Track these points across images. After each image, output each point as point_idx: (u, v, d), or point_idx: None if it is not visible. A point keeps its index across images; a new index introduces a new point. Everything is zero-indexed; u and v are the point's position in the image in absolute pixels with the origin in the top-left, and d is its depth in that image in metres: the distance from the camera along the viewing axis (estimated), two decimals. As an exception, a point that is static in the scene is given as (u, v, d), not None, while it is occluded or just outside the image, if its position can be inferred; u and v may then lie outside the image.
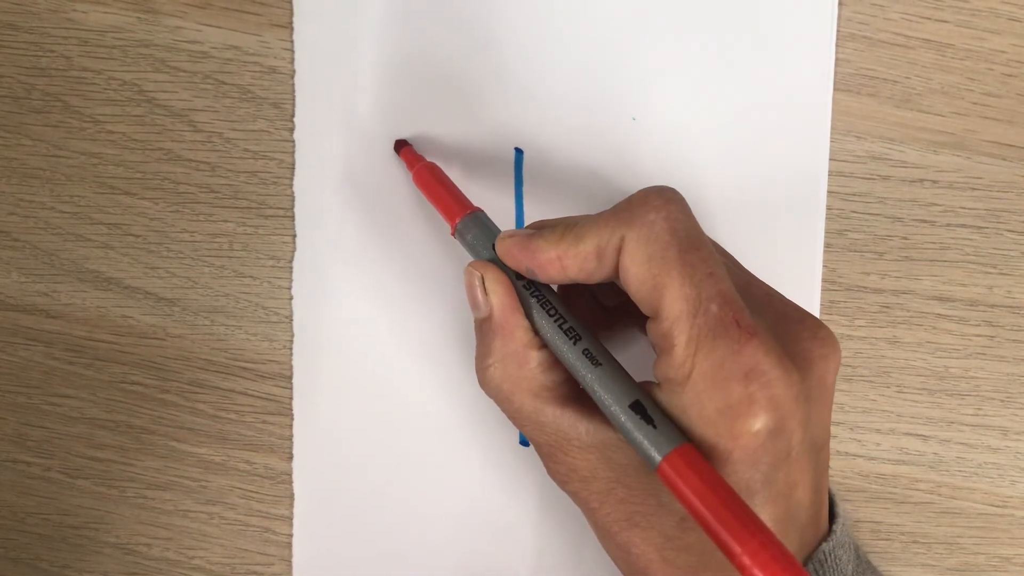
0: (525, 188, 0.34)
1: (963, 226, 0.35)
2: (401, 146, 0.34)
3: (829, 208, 0.34)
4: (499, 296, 0.29)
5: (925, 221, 0.35)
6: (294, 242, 0.35)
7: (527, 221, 0.34)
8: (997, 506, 0.36)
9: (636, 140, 0.34)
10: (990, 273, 0.35)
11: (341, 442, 0.35)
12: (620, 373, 0.27)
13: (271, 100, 0.34)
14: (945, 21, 0.34)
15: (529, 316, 0.29)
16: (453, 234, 0.31)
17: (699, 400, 0.25)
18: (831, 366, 0.27)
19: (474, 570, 0.35)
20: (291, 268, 0.35)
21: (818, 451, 0.27)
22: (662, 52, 0.34)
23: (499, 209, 0.34)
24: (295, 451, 0.35)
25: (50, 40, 0.34)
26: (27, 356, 0.36)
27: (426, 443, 0.35)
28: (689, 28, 0.34)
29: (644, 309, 0.27)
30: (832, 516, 0.29)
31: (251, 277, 0.35)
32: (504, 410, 0.29)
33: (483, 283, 0.29)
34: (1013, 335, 0.35)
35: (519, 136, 0.34)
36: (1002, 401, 0.36)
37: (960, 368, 0.35)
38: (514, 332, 0.28)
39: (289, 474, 0.35)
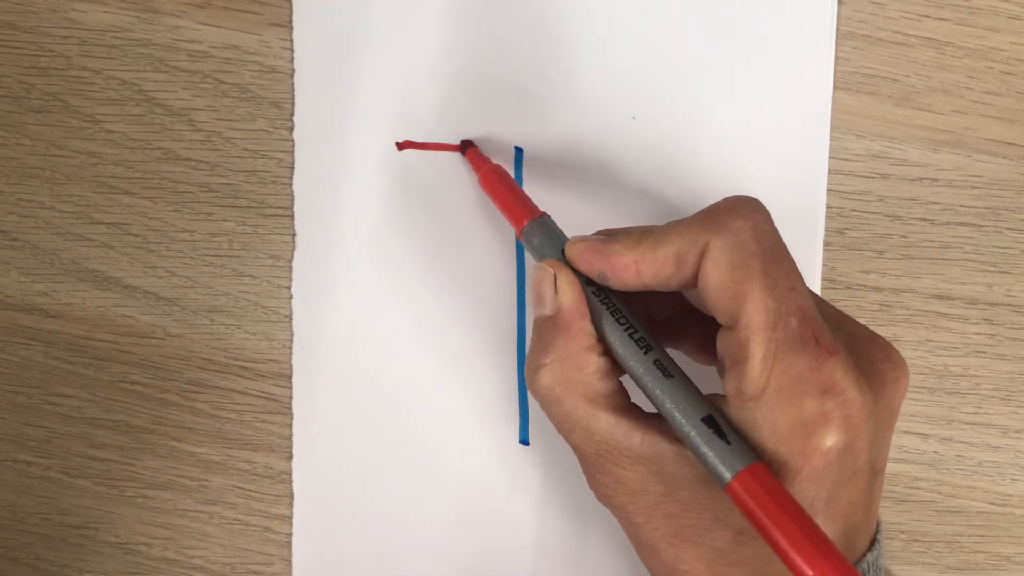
0: (525, 187, 0.34)
1: (963, 224, 0.35)
2: (467, 147, 0.34)
3: (829, 206, 0.34)
4: (569, 296, 0.28)
5: (925, 219, 0.35)
6: (294, 241, 0.35)
7: (527, 220, 0.34)
8: (997, 505, 0.36)
9: (636, 139, 0.34)
10: (990, 271, 0.35)
11: (341, 442, 0.35)
12: (690, 386, 0.27)
13: (271, 99, 0.34)
14: (945, 19, 0.34)
15: (595, 322, 0.28)
16: (519, 237, 0.31)
17: (772, 415, 0.25)
18: (901, 389, 0.27)
19: (474, 569, 0.35)
20: (291, 267, 0.35)
21: (877, 474, 0.27)
22: (662, 51, 0.34)
23: (496, 211, 0.34)
24: (295, 450, 0.35)
25: (50, 39, 0.34)
26: (27, 356, 0.36)
27: (426, 442, 0.35)
28: (689, 27, 0.34)
29: (721, 318, 0.26)
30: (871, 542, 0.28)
31: (251, 276, 0.35)
32: (551, 412, 0.28)
33: (555, 281, 0.28)
34: (1013, 333, 0.35)
35: (518, 135, 0.34)
36: (1002, 399, 0.36)
37: (960, 366, 0.35)
38: (578, 334, 0.28)
39: (289, 473, 0.35)
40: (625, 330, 0.28)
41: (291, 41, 0.34)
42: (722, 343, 0.26)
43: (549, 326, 0.28)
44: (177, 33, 0.34)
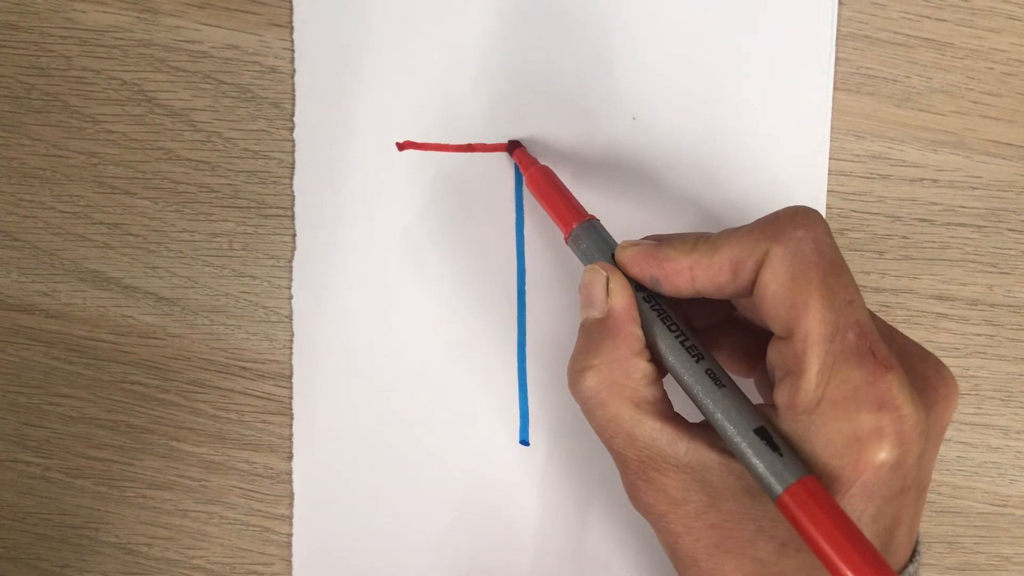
0: (525, 187, 0.34)
1: (963, 225, 0.35)
2: (514, 147, 0.34)
3: (829, 207, 0.34)
4: (621, 299, 0.28)
5: (925, 220, 0.35)
6: (294, 241, 0.35)
7: (527, 221, 0.34)
8: (997, 505, 0.36)
9: (636, 139, 0.34)
10: (990, 272, 0.35)
11: (341, 442, 0.35)
12: (742, 396, 0.26)
13: (271, 100, 0.34)
14: (945, 20, 0.34)
15: (645, 328, 0.28)
16: (566, 241, 0.31)
17: (826, 428, 0.25)
18: (951, 406, 0.27)
19: (474, 569, 0.35)
20: (291, 268, 0.35)
21: (922, 490, 0.27)
22: (662, 51, 0.34)
23: (496, 211, 0.34)
24: (295, 450, 0.35)
25: (50, 40, 0.34)
26: (27, 356, 0.36)
27: (426, 442, 0.35)
28: (689, 27, 0.34)
29: (775, 328, 0.26)
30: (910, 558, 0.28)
31: (251, 276, 0.35)
32: (594, 416, 0.28)
33: (607, 283, 0.28)
34: (1013, 334, 0.35)
35: (518, 135, 0.34)
36: (1002, 400, 0.36)
37: (960, 367, 0.35)
38: (628, 339, 0.27)
39: (289, 474, 0.35)
40: (676, 337, 0.27)
41: (291, 41, 0.34)
42: (774, 353, 0.26)
43: (598, 328, 0.28)
44: (177, 33, 0.34)
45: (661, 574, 0.35)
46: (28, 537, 0.36)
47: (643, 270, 0.28)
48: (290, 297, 0.35)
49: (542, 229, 0.34)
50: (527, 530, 0.35)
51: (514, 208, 0.34)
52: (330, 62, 0.34)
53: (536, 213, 0.34)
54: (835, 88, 0.34)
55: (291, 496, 0.35)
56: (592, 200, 0.34)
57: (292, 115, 0.34)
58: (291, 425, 0.35)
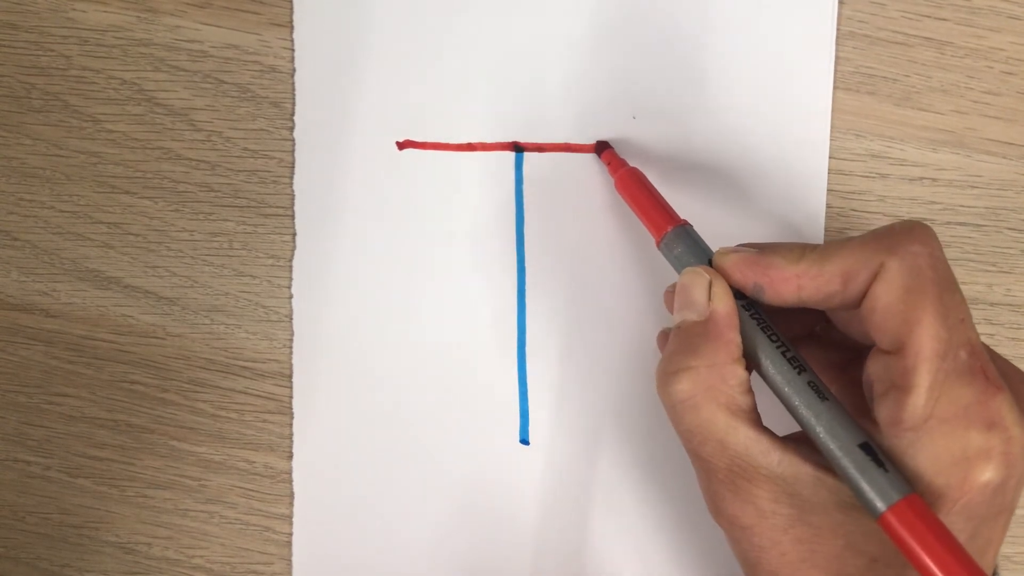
0: (525, 188, 0.34)
1: (962, 224, 0.35)
2: (603, 148, 0.33)
3: (829, 206, 0.34)
4: (724, 304, 0.27)
5: (925, 219, 0.35)
6: (294, 241, 0.35)
7: (527, 221, 0.34)
8: (997, 504, 0.36)
9: (636, 139, 0.34)
10: (989, 271, 0.35)
11: (341, 441, 0.35)
12: (844, 410, 0.26)
13: (271, 99, 0.34)
14: (945, 19, 0.34)
15: (744, 336, 0.27)
16: (658, 245, 0.30)
17: (933, 445, 0.25)
18: None
19: (473, 569, 0.35)
20: (291, 267, 0.35)
21: (1011, 514, 0.26)
22: (662, 51, 0.34)
23: (496, 211, 0.34)
24: (295, 450, 0.35)
25: (50, 39, 0.34)
26: (27, 355, 0.36)
27: (426, 442, 0.35)
28: (689, 27, 0.34)
29: (883, 341, 0.26)
30: None
31: (251, 276, 0.35)
32: (684, 419, 0.27)
33: (709, 286, 0.28)
34: (1013, 333, 0.35)
35: (518, 135, 0.34)
36: (1002, 399, 0.35)
37: (960, 366, 0.35)
38: (728, 344, 0.27)
39: (289, 473, 0.35)
40: (777, 348, 0.27)
41: (291, 41, 0.34)
42: (877, 368, 0.26)
43: (698, 331, 0.27)
44: (177, 33, 0.34)
45: (660, 574, 0.35)
46: (28, 536, 0.36)
47: (746, 277, 0.27)
48: (290, 297, 0.35)
49: (542, 229, 0.34)
50: (527, 530, 0.35)
51: (514, 208, 0.34)
52: (330, 62, 0.34)
53: (536, 212, 0.34)
54: (835, 87, 0.34)
55: (291, 496, 0.35)
56: (593, 200, 0.34)
57: (292, 115, 0.34)
58: (291, 425, 0.35)
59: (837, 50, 0.34)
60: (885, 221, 0.35)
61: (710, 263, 0.29)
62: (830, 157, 0.34)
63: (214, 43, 0.34)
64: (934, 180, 0.34)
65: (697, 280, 0.28)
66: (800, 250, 0.27)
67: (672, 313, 0.29)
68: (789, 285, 0.27)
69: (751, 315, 0.28)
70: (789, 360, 0.27)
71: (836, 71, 0.34)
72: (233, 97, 0.34)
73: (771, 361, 0.27)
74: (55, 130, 0.35)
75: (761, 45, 0.34)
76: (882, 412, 0.26)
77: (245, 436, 0.36)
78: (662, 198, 0.31)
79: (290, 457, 0.35)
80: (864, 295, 0.26)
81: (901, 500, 0.24)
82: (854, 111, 0.34)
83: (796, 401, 0.26)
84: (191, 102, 0.34)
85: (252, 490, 0.36)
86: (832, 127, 0.34)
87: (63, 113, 0.35)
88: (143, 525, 0.36)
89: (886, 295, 0.25)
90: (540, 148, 0.34)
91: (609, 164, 0.33)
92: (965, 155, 0.34)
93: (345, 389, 0.35)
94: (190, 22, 0.34)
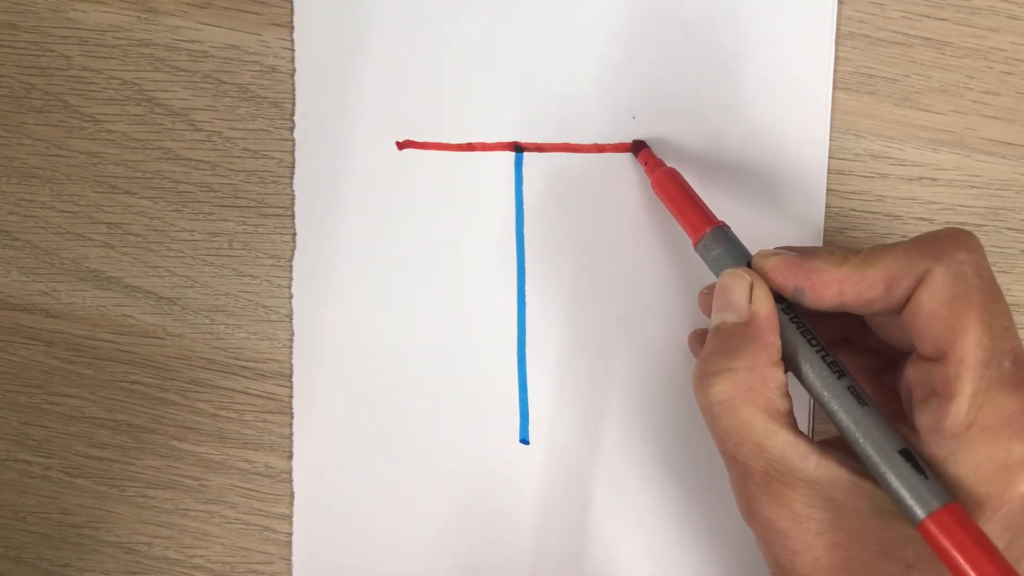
0: (525, 188, 0.34)
1: (962, 224, 0.35)
2: (639, 148, 0.33)
3: (829, 206, 0.34)
4: (765, 306, 0.27)
5: (924, 219, 0.35)
6: (294, 241, 0.35)
7: (527, 222, 0.34)
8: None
9: (636, 139, 0.34)
10: (989, 271, 0.35)
11: (341, 441, 0.35)
12: (883, 416, 0.26)
13: (271, 99, 0.34)
14: (944, 19, 0.34)
15: (783, 339, 0.27)
16: (695, 247, 0.30)
17: (975, 453, 0.25)
18: None
19: (473, 569, 0.35)
20: (291, 267, 0.35)
21: None
22: (661, 51, 0.34)
23: (496, 211, 0.34)
24: (295, 450, 0.35)
25: (50, 39, 0.34)
26: (27, 355, 0.36)
27: (426, 442, 0.35)
28: (689, 27, 0.34)
29: (926, 348, 0.26)
30: None
31: (251, 276, 0.35)
32: (721, 421, 0.27)
33: (750, 288, 0.27)
34: (1013, 333, 0.35)
35: (518, 135, 0.34)
36: (1002, 399, 0.35)
37: (960, 366, 0.35)
38: (769, 347, 0.27)
39: (289, 473, 0.35)
40: (816, 351, 0.27)
41: (291, 41, 0.34)
42: (917, 374, 0.26)
43: (738, 332, 0.27)
44: (177, 33, 0.34)
45: (660, 574, 0.35)
46: (28, 536, 0.36)
47: (787, 280, 0.27)
48: (290, 296, 0.35)
49: (542, 229, 0.34)
50: (527, 529, 0.35)
51: (514, 208, 0.34)
52: (330, 62, 0.34)
53: (536, 212, 0.34)
54: (835, 87, 0.34)
55: (291, 495, 0.35)
56: (593, 199, 0.34)
57: (292, 115, 0.34)
58: (291, 424, 0.35)
59: (837, 50, 0.34)
60: (885, 221, 0.35)
61: (748, 265, 0.29)
62: (830, 157, 0.34)
63: (214, 43, 0.34)
64: (934, 180, 0.34)
65: (738, 282, 0.28)
66: (843, 254, 0.27)
67: (707, 314, 0.29)
68: (831, 289, 0.27)
69: (790, 318, 0.27)
70: (829, 364, 0.27)
71: (836, 71, 0.34)
72: (233, 97, 0.34)
73: (810, 365, 0.27)
74: (55, 130, 0.35)
75: (760, 45, 0.34)
76: (922, 419, 0.25)
77: (245, 436, 0.36)
78: (699, 199, 0.31)
79: (290, 457, 0.35)
80: (907, 301, 0.26)
81: (941, 508, 0.24)
82: (854, 111, 0.34)
83: (835, 406, 0.26)
84: (191, 102, 0.34)
85: (252, 490, 0.36)
86: (832, 127, 0.34)
87: (63, 113, 0.35)
88: (143, 525, 0.36)
89: (931, 301, 0.25)
90: (540, 148, 0.34)
91: (646, 164, 0.33)
92: (965, 155, 0.34)
93: (345, 389, 0.35)
94: (190, 22, 0.34)
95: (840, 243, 0.35)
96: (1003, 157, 0.34)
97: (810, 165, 0.34)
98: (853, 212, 0.34)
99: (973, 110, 0.34)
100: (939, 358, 0.25)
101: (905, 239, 0.27)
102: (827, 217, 0.34)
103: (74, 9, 0.34)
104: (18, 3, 0.34)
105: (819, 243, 0.34)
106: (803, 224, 0.34)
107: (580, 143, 0.34)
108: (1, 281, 0.35)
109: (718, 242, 0.30)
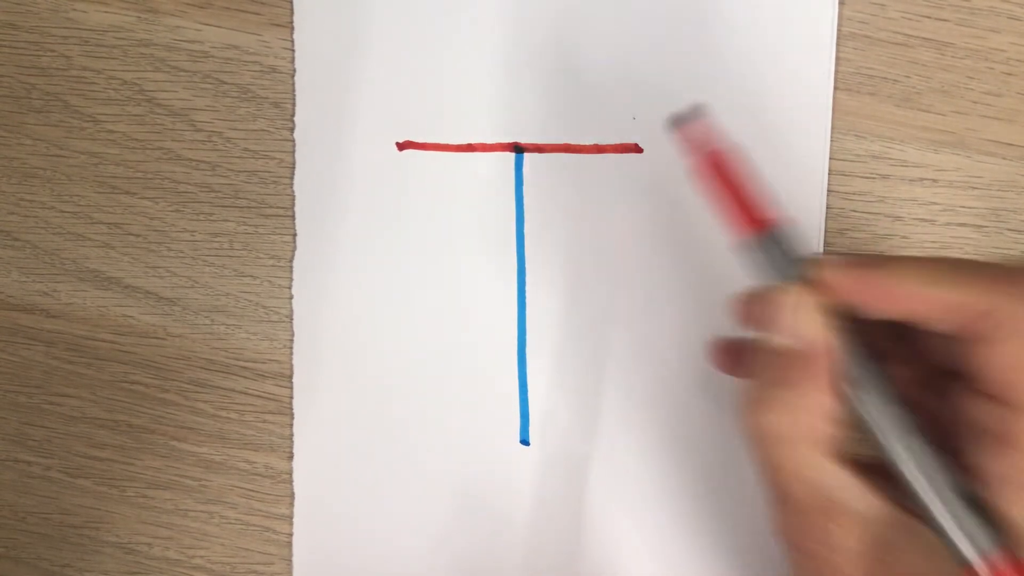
0: (525, 188, 0.34)
1: (963, 225, 0.35)
2: (680, 123, 0.27)
3: (829, 207, 0.34)
4: (824, 330, 0.25)
5: (925, 220, 0.35)
6: (294, 241, 0.35)
7: (527, 222, 0.34)
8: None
9: (636, 140, 0.34)
10: (990, 272, 0.35)
11: (341, 441, 0.35)
12: (935, 450, 0.25)
13: (271, 100, 0.34)
14: (945, 20, 0.34)
15: (838, 363, 0.25)
16: (741, 244, 0.26)
17: None
18: None
19: (473, 569, 0.35)
20: (291, 267, 0.35)
21: None
22: (661, 51, 0.34)
23: (496, 211, 0.34)
24: (295, 450, 0.35)
25: (50, 39, 0.34)
26: (27, 356, 0.36)
27: (426, 442, 0.35)
28: (690, 28, 0.34)
29: (995, 390, 0.24)
30: None
31: (251, 276, 0.35)
32: (771, 452, 0.25)
33: (808, 309, 0.25)
34: (1013, 334, 0.35)
35: (519, 136, 0.34)
36: (1002, 400, 0.35)
37: (960, 367, 0.35)
38: (824, 375, 0.25)
39: (289, 473, 0.35)
40: (871, 378, 0.25)
41: (292, 41, 0.34)
42: (978, 411, 0.25)
43: (795, 360, 0.25)
44: (178, 33, 0.34)
45: (659, 574, 0.35)
46: (29, 537, 0.36)
47: (847, 293, 0.25)
48: (290, 297, 0.35)
49: (542, 229, 0.34)
50: (527, 530, 0.35)
51: (514, 208, 0.34)
52: (330, 62, 0.34)
53: (536, 213, 0.34)
54: (835, 88, 0.34)
55: (291, 496, 0.35)
56: (593, 200, 0.34)
57: (292, 115, 0.34)
58: (291, 425, 0.35)
59: (837, 51, 0.34)
60: (886, 222, 0.35)
61: (798, 270, 0.26)
62: (830, 158, 0.34)
63: (214, 43, 0.34)
64: (935, 181, 0.34)
65: (795, 301, 0.25)
66: (932, 270, 0.25)
67: (744, 323, 0.27)
68: (898, 305, 0.25)
69: (846, 339, 0.25)
70: (883, 392, 0.25)
71: (836, 72, 0.34)
72: (233, 97, 0.34)
73: (865, 391, 0.25)
74: (55, 130, 0.35)
75: (761, 46, 0.34)
76: (988, 463, 0.24)
77: (245, 436, 0.36)
78: (751, 189, 0.26)
79: (290, 457, 0.35)
80: (983, 336, 0.24)
81: (995, 552, 0.24)
82: (854, 112, 0.34)
83: (888, 436, 0.25)
84: (191, 102, 0.34)
85: (252, 490, 0.36)
86: (832, 128, 0.34)
87: (63, 113, 0.35)
88: (143, 525, 0.36)
89: (1017, 348, 0.24)
90: (540, 148, 0.34)
91: (688, 143, 0.27)
92: (966, 156, 0.34)
93: (345, 389, 0.35)
94: (190, 22, 0.34)
95: (840, 244, 0.34)
96: (1004, 158, 0.34)
97: (811, 166, 0.34)
98: (854, 213, 0.34)
99: (974, 111, 0.34)
100: (1010, 404, 0.24)
101: (990, 262, 0.26)
102: (827, 218, 0.34)
103: (74, 9, 0.34)
104: (18, 3, 0.34)
105: (819, 246, 0.34)
106: (804, 225, 0.34)
107: (580, 143, 0.34)
108: (1, 281, 0.35)
109: (766, 244, 0.26)
